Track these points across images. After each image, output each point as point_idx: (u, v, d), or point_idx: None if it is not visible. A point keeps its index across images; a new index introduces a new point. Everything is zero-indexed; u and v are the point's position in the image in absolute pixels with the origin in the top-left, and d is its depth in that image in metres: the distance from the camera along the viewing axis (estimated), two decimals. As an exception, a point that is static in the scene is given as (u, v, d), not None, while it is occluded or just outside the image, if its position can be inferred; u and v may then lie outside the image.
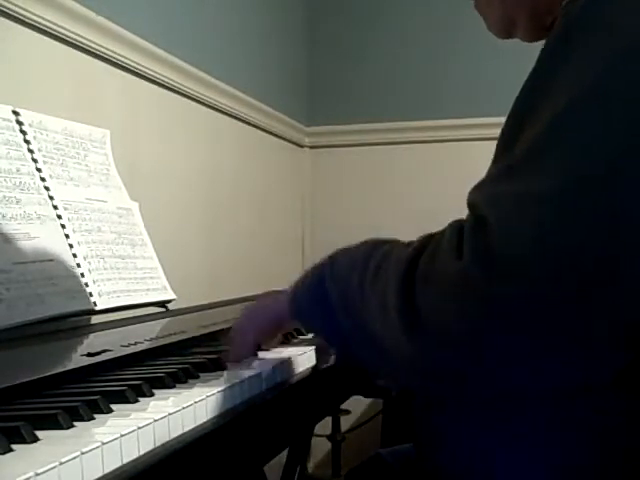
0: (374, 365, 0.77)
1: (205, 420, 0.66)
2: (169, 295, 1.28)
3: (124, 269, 1.18)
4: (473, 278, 0.59)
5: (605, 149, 0.57)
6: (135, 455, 0.55)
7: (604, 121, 0.58)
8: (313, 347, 0.94)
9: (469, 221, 0.62)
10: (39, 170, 1.11)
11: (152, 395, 0.68)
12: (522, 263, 0.57)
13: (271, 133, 2.35)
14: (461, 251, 0.60)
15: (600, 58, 0.60)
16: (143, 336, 0.95)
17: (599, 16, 0.61)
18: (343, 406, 2.02)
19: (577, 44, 0.62)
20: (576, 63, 0.61)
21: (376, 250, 0.73)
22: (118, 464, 0.53)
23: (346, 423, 2.31)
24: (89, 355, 0.81)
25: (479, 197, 0.63)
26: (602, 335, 0.59)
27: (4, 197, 1.01)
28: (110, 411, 0.62)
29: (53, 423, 0.57)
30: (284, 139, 2.48)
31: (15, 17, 1.24)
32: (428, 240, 0.67)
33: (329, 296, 0.76)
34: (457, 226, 0.63)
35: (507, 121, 0.68)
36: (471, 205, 0.64)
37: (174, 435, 0.60)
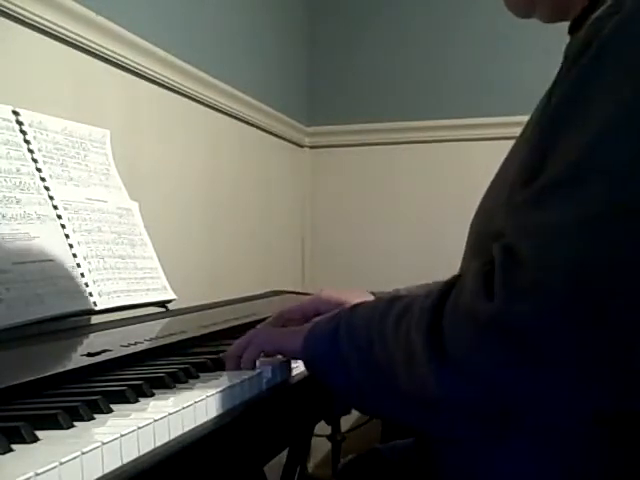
0: (393, 416, 0.76)
1: (205, 420, 0.66)
2: (169, 295, 1.28)
3: (124, 269, 1.18)
4: (510, 319, 0.57)
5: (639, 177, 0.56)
6: (135, 455, 0.55)
7: (637, 150, 0.56)
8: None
9: (499, 255, 0.60)
10: (39, 170, 1.11)
11: (152, 395, 0.68)
12: (557, 292, 0.56)
13: (271, 133, 2.35)
14: (492, 290, 0.59)
15: (631, 86, 0.58)
16: (143, 336, 0.95)
17: (633, 35, 0.60)
18: (343, 406, 2.01)
19: (609, 69, 0.60)
20: (608, 87, 0.59)
21: (396, 303, 0.72)
22: (118, 464, 0.53)
23: (346, 423, 2.31)
24: (89, 355, 0.81)
25: (508, 226, 0.62)
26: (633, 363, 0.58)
27: (4, 197, 1.01)
28: (110, 411, 0.62)
29: (53, 423, 0.57)
30: (284, 139, 2.48)
31: (15, 17, 1.24)
32: (449, 286, 0.66)
33: (343, 349, 0.74)
34: (484, 265, 0.62)
35: (533, 143, 0.65)
36: (499, 233, 0.62)
37: (174, 435, 0.60)
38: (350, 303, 0.82)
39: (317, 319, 0.84)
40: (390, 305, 0.72)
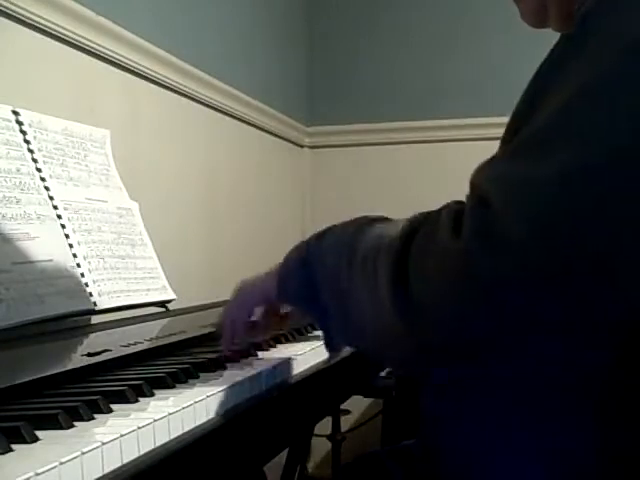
0: (360, 347, 0.77)
1: (205, 420, 0.66)
2: (169, 295, 1.28)
3: (124, 269, 1.18)
4: (471, 256, 0.58)
5: (611, 138, 0.57)
6: (135, 455, 0.55)
7: (612, 110, 0.57)
8: (313, 347, 0.94)
9: (469, 200, 0.61)
10: (39, 170, 1.10)
11: (152, 395, 0.68)
12: (520, 245, 0.56)
13: (271, 133, 2.35)
14: (459, 230, 0.60)
15: (612, 48, 0.59)
16: (143, 336, 0.95)
17: (614, 7, 0.61)
18: (343, 406, 2.02)
19: (591, 34, 0.61)
20: (589, 51, 0.61)
21: (366, 229, 0.72)
22: (118, 464, 0.53)
23: (346, 423, 2.31)
24: (89, 355, 0.81)
25: (482, 177, 0.63)
26: (600, 321, 0.58)
27: (4, 197, 1.01)
28: (110, 411, 0.62)
29: (53, 423, 0.57)
30: (284, 139, 2.48)
31: (15, 17, 1.24)
32: (422, 219, 0.66)
33: (315, 277, 0.75)
34: (455, 206, 0.63)
35: (519, 104, 0.67)
36: (473, 185, 0.63)
37: (174, 435, 0.60)
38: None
39: (286, 256, 0.85)
40: (360, 233, 0.72)
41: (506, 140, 0.68)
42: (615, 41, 0.59)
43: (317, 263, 0.76)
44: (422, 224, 0.65)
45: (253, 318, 0.89)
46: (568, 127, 0.59)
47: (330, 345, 0.87)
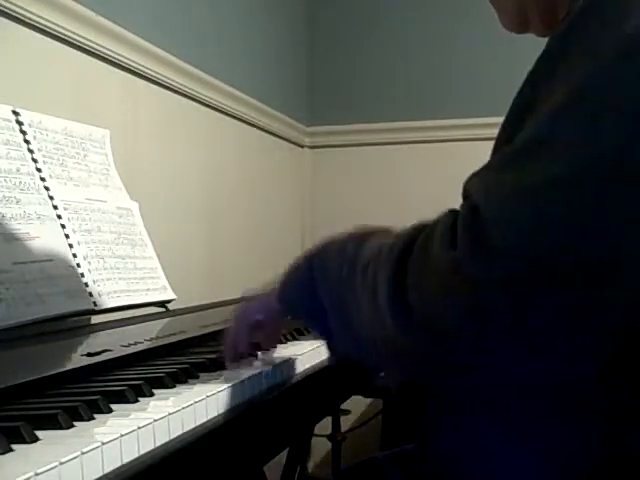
0: (362, 358, 0.77)
1: (205, 420, 0.66)
2: (169, 295, 1.28)
3: (124, 269, 1.18)
4: (465, 267, 0.58)
5: (602, 142, 0.57)
6: (135, 455, 0.55)
7: (601, 115, 0.58)
8: (313, 347, 0.94)
9: (463, 210, 0.62)
10: (39, 170, 1.11)
11: (152, 395, 0.68)
12: (508, 252, 0.57)
13: (271, 133, 2.35)
14: (455, 240, 0.60)
15: (600, 52, 0.59)
16: (143, 336, 0.95)
17: (601, 10, 0.61)
18: (343, 406, 2.02)
19: (578, 38, 0.62)
20: (576, 57, 0.61)
21: (365, 241, 0.73)
22: (118, 464, 0.53)
23: (346, 423, 2.31)
24: (89, 355, 0.81)
25: (474, 186, 0.63)
26: (594, 328, 0.59)
27: (4, 197, 1.01)
28: (110, 411, 0.62)
29: (53, 423, 0.57)
30: (284, 139, 2.48)
31: (15, 17, 1.24)
32: (419, 230, 0.66)
33: (317, 291, 0.75)
34: (451, 215, 0.63)
35: (508, 113, 0.68)
36: (466, 193, 0.64)
37: (174, 435, 0.60)
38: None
39: (287, 270, 0.84)
40: (359, 245, 0.73)
41: (497, 148, 0.68)
42: (597, 51, 0.60)
43: (319, 274, 0.76)
44: (418, 235, 0.65)
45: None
46: (558, 133, 0.59)
47: (332, 354, 0.87)
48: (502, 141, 0.68)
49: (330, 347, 0.83)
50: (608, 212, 0.56)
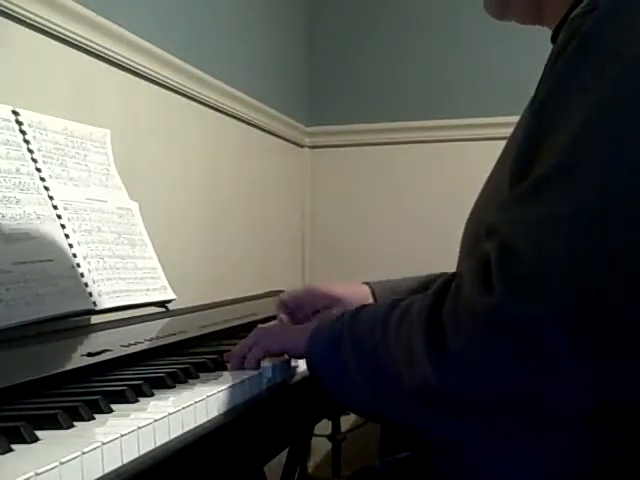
0: (382, 414, 0.76)
1: (205, 420, 0.66)
2: (169, 295, 1.28)
3: (124, 269, 1.18)
4: (509, 311, 0.58)
5: (629, 160, 0.57)
6: (135, 455, 0.55)
7: (622, 133, 0.57)
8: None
9: (495, 251, 0.61)
10: (39, 170, 1.10)
11: (152, 395, 0.68)
12: (558, 289, 0.56)
13: (271, 133, 2.35)
14: (490, 285, 0.59)
15: (613, 74, 0.59)
16: (143, 336, 0.95)
17: (612, 31, 0.61)
18: (343, 406, 2.01)
19: (591, 61, 0.61)
20: (590, 81, 0.60)
21: (396, 305, 0.72)
22: (118, 464, 0.53)
23: (346, 423, 2.31)
24: (89, 355, 0.81)
25: (502, 222, 0.62)
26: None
27: (4, 197, 1.01)
28: (110, 411, 0.62)
29: (53, 423, 0.57)
30: (284, 139, 2.48)
31: (15, 17, 1.24)
32: (447, 283, 0.66)
33: (345, 355, 0.74)
34: (479, 261, 0.62)
35: (522, 141, 0.66)
36: (492, 229, 0.63)
37: (174, 435, 0.60)
38: (342, 297, 0.82)
39: (320, 319, 0.84)
40: (391, 310, 0.72)
41: (516, 176, 0.66)
42: (614, 69, 0.59)
43: (350, 335, 0.75)
44: (447, 287, 0.65)
45: None
46: (582, 159, 0.58)
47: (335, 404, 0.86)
48: (519, 170, 0.66)
49: (336, 398, 0.81)
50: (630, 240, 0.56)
